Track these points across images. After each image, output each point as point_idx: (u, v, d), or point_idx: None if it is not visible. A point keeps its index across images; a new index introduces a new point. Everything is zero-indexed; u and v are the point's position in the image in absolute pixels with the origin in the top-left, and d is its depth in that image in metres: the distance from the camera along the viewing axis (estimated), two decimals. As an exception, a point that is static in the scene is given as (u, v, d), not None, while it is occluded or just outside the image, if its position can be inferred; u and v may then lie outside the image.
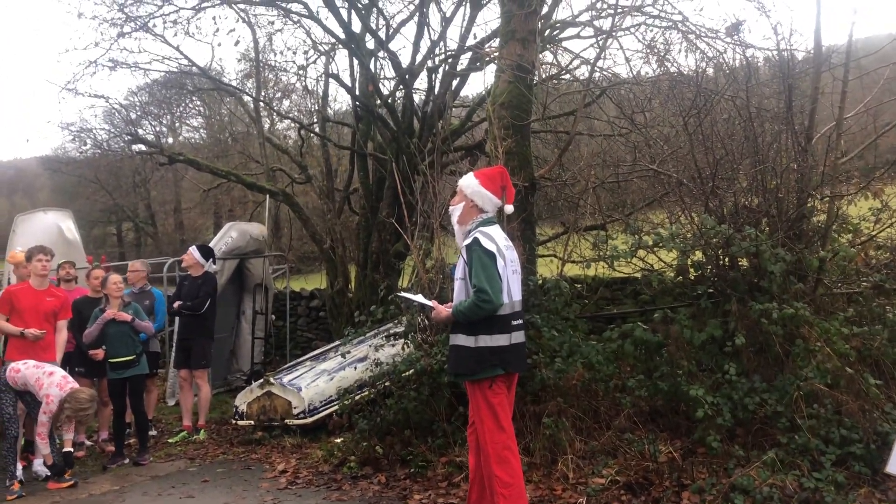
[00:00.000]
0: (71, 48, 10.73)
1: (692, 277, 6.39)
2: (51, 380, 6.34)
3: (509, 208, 4.81)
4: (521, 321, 4.63)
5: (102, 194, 35.85)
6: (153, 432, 8.17)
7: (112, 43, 10.65)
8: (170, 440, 8.04)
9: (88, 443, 7.97)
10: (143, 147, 13.09)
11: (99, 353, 7.22)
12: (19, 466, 6.44)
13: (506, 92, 7.22)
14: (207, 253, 8.62)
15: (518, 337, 4.57)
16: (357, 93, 11.44)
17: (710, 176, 6.32)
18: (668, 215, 7.51)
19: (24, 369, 6.39)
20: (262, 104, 13.46)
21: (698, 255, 6.33)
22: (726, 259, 6.17)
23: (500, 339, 4.45)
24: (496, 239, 4.55)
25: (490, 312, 4.37)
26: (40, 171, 42.10)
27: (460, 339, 4.50)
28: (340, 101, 14.27)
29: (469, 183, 4.73)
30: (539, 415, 5.89)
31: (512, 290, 4.54)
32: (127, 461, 7.20)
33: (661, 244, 6.11)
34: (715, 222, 5.91)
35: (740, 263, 6.15)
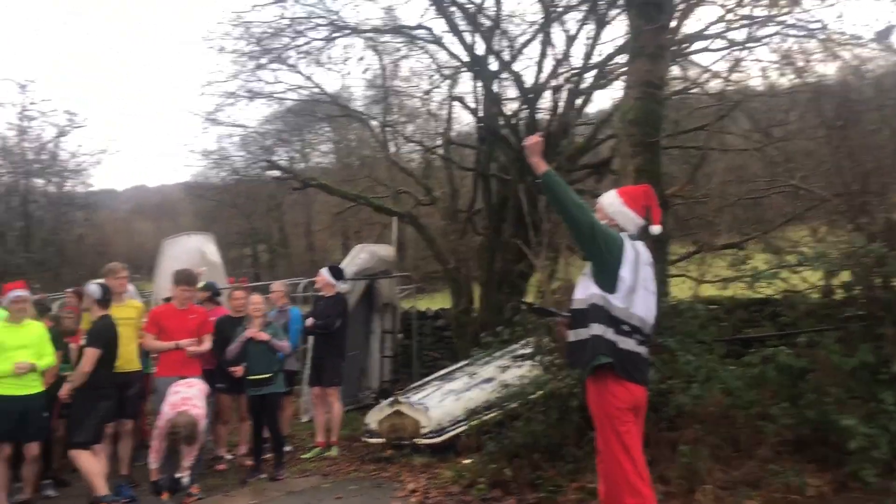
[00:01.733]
0: (213, 81, 11.57)
1: (839, 299, 6.01)
2: (172, 399, 6.69)
3: (656, 229, 4.62)
4: (645, 338, 4.44)
5: (239, 218, 37.81)
6: (288, 448, 8.44)
7: (250, 75, 11.20)
8: (304, 456, 8.28)
9: (228, 456, 8.35)
10: (278, 173, 13.74)
11: (238, 370, 7.55)
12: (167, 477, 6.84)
13: (634, 108, 7.07)
14: (338, 273, 8.90)
15: (640, 349, 4.39)
16: (480, 114, 11.55)
17: (858, 191, 5.94)
18: (810, 233, 7.11)
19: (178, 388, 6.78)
20: (388, 129, 13.81)
21: (845, 276, 5.94)
22: (879, 280, 5.75)
23: (620, 341, 4.31)
24: (637, 249, 4.42)
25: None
26: (183, 196, 44.81)
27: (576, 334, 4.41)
28: (464, 122, 14.43)
29: (611, 201, 4.61)
30: (674, 442, 5.67)
31: (640, 304, 4.37)
32: (264, 476, 7.47)
33: (805, 263, 5.78)
34: (865, 240, 5.54)
35: (894, 285, 5.72)
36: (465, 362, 9.03)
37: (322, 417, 8.57)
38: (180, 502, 6.66)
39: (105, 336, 6.50)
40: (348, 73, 13.01)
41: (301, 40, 11.75)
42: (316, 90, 13.02)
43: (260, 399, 7.52)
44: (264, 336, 7.45)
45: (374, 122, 14.82)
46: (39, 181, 24.67)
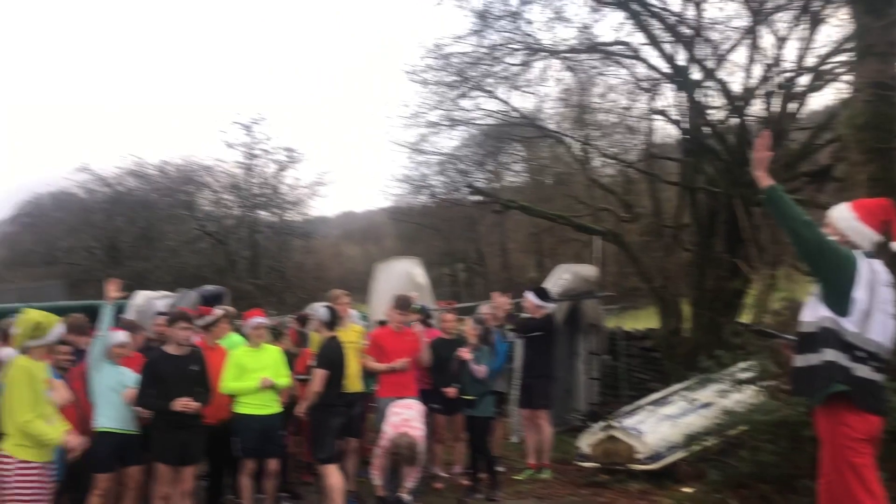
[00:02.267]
0: (418, 112, 12.27)
1: None
2: (393, 420, 6.99)
3: None
4: (882, 365, 4.04)
5: (438, 239, 39.15)
6: (500, 469, 8.56)
7: (452, 104, 11.61)
8: (516, 477, 8.36)
9: (444, 475, 8.61)
10: (480, 197, 14.09)
11: (451, 391, 7.79)
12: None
13: (864, 112, 6.53)
14: (543, 295, 8.93)
15: (876, 376, 4.00)
16: (684, 126, 11.17)
17: None
18: None
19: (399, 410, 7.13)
20: (586, 146, 13.73)
21: None
22: None
23: (855, 368, 3.94)
24: (874, 269, 4.05)
25: None
26: (386, 220, 47.10)
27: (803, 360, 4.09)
28: (665, 135, 14.03)
29: (843, 215, 4.25)
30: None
31: (877, 328, 3.99)
32: (481, 496, 7.63)
33: None
34: None
35: None
36: (680, 386, 8.71)
37: (532, 439, 8.61)
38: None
39: (333, 357, 6.95)
40: (546, 94, 13.07)
41: (498, 66, 12.01)
42: (513, 113, 13.22)
43: (470, 420, 7.73)
44: (467, 356, 7.66)
45: (571, 141, 14.77)
46: (264, 213, 27.13)
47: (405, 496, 7.01)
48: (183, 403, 6.00)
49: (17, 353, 5.27)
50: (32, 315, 5.29)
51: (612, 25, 11.65)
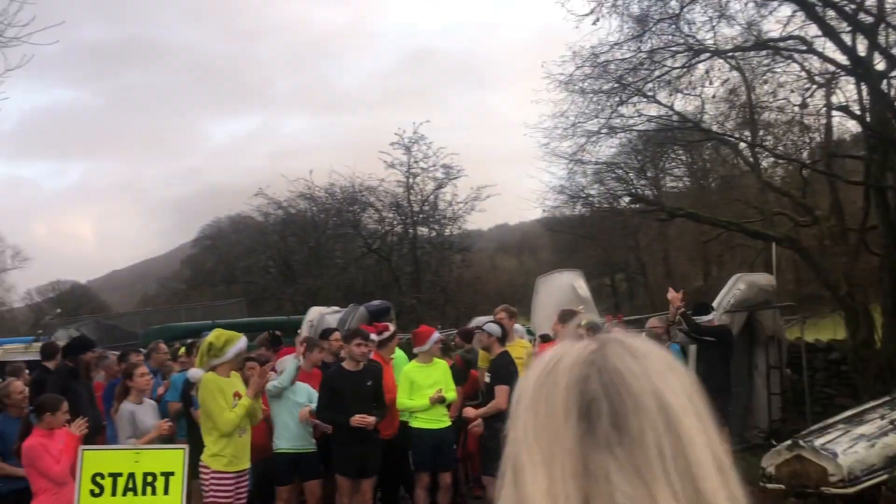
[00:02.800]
0: (577, 122, 12.03)
1: None
2: None
3: None
4: None
5: (595, 249, 38.49)
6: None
7: (612, 112, 11.40)
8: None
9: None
10: (643, 205, 13.72)
11: None
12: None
13: None
14: (704, 310, 8.53)
15: None
16: (868, 120, 10.33)
17: None
18: None
19: None
20: (757, 148, 13.02)
21: None
22: None
23: None
24: None
25: None
26: (541, 231, 46.90)
27: None
28: (842, 131, 13.03)
29: None
30: None
31: None
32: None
33: None
34: None
35: None
36: (876, 402, 8.03)
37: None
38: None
39: (511, 371, 6.95)
40: (713, 95, 12.46)
41: (659, 70, 11.66)
42: (675, 117, 12.78)
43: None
44: None
45: (739, 143, 14.07)
46: (423, 230, 27.87)
47: None
48: (360, 419, 6.22)
49: (203, 372, 5.72)
50: (208, 338, 5.72)
51: (780, 19, 10.98)
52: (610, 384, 0.78)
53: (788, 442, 7.44)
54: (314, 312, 15.67)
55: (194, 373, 5.89)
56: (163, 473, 5.22)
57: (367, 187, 28.08)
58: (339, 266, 27.51)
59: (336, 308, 15.97)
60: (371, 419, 6.30)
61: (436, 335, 7.32)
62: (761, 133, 14.79)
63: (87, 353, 7.33)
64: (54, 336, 19.43)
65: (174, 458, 5.27)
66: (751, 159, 13.10)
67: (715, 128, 15.21)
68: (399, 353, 8.29)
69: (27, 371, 8.98)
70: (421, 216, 27.42)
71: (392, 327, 8.05)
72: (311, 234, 29.00)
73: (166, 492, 5.21)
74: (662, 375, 0.81)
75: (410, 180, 26.83)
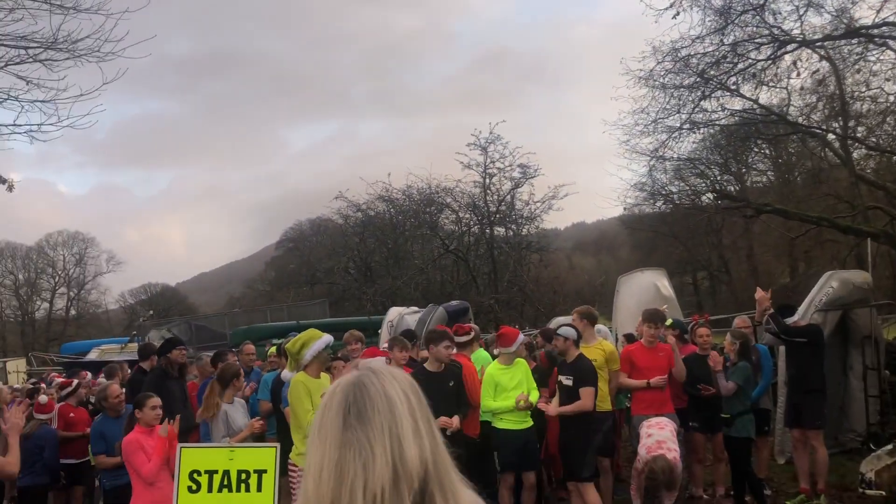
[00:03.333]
0: (658, 119, 11.78)
1: None
2: (647, 442, 6.73)
3: None
4: None
5: (676, 246, 37.68)
6: (767, 492, 8.00)
7: (694, 107, 11.15)
8: (787, 502, 7.76)
9: (705, 496, 8.22)
10: (728, 202, 13.38)
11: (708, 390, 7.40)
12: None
13: None
14: (785, 312, 8.25)
15: None
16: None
17: None
18: None
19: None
20: (847, 139, 12.51)
21: None
22: None
23: None
24: None
25: None
26: (619, 229, 46.21)
27: None
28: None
29: None
30: None
31: None
32: (748, 520, 7.19)
33: None
34: None
35: None
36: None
37: (804, 462, 7.95)
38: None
39: (593, 372, 6.91)
40: (800, 87, 12.01)
41: (743, 63, 11.35)
42: (759, 110, 12.39)
43: (728, 439, 7.32)
44: (718, 366, 7.28)
45: (828, 135, 13.54)
46: (500, 230, 27.87)
47: None
48: (445, 421, 6.24)
49: (293, 373, 5.89)
50: (289, 344, 5.87)
51: (873, 5, 10.50)
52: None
53: (890, 446, 7.15)
54: (394, 312, 15.87)
55: (286, 374, 6.06)
56: (256, 471, 5.37)
57: (444, 188, 28.31)
58: (418, 266, 27.81)
59: (415, 308, 16.13)
60: (455, 421, 6.33)
61: (521, 337, 7.32)
62: (852, 124, 14.19)
63: (174, 351, 7.61)
64: (147, 336, 20.32)
65: (267, 456, 5.42)
66: (841, 152, 12.57)
67: (801, 120, 14.68)
68: (482, 354, 8.32)
69: (127, 370, 9.41)
70: (498, 216, 27.43)
71: (475, 328, 8.09)
72: (389, 236, 29.42)
73: (259, 489, 5.36)
74: (390, 384, 1.43)
75: (487, 180, 26.88)
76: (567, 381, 6.90)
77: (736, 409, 7.32)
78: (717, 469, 8.24)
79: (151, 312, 43.23)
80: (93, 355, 27.00)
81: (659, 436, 6.83)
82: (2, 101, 7.75)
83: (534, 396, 7.13)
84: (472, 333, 7.85)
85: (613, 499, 7.82)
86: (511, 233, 28.11)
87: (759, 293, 7.90)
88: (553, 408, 6.92)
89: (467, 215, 28.49)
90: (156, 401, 5.79)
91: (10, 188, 7.72)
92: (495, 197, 27.26)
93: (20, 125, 7.71)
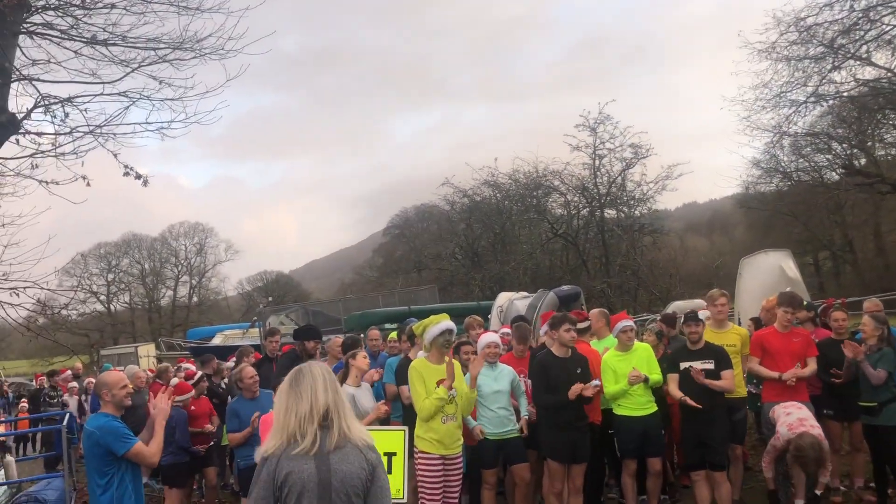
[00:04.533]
0: (783, 92, 11.18)
1: None
2: (787, 420, 6.45)
3: None
4: None
5: (795, 225, 35.93)
6: (914, 485, 7.54)
7: (822, 78, 10.58)
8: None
9: (842, 488, 7.84)
10: (860, 178, 12.64)
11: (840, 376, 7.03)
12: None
13: None
14: None
15: None
16: None
17: None
18: None
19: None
20: None
21: None
22: None
23: None
24: None
25: None
26: (733, 209, 44.51)
27: None
28: None
29: None
30: None
31: None
32: (891, 514, 6.80)
33: None
34: None
35: None
36: None
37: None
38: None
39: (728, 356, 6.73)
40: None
41: (875, 30, 10.64)
42: (894, 79, 11.60)
43: (872, 429, 6.90)
44: (859, 354, 6.84)
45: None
46: (611, 212, 27.33)
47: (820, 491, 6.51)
48: (578, 387, 6.21)
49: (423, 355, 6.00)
50: (415, 325, 5.95)
51: None
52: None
53: None
54: (503, 297, 15.87)
55: (420, 354, 6.19)
56: (386, 453, 5.50)
57: (552, 171, 27.99)
58: (526, 251, 27.68)
59: (525, 293, 16.08)
60: (590, 385, 6.31)
61: (623, 323, 7.16)
62: None
63: (311, 343, 7.87)
64: (268, 322, 21.16)
65: (396, 439, 5.55)
66: None
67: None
68: (612, 340, 8.22)
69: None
70: (608, 198, 26.91)
71: (595, 314, 7.99)
72: (496, 221, 29.40)
73: (390, 471, 5.48)
74: (314, 367, 3.07)
75: (597, 162, 26.41)
76: (707, 364, 6.74)
77: (884, 396, 6.92)
78: (856, 459, 7.82)
79: (270, 299, 45.01)
80: (217, 340, 28.46)
81: (799, 414, 6.57)
82: (136, 101, 8.13)
83: (654, 378, 6.99)
84: (590, 320, 7.76)
85: (742, 487, 7.58)
86: (622, 215, 27.53)
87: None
88: (677, 392, 6.74)
89: (576, 198, 28.09)
90: None
91: (145, 183, 8.11)
92: (605, 178, 26.79)
93: (151, 122, 8.10)
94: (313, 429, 2.85)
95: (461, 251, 30.66)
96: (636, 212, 27.42)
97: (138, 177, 7.94)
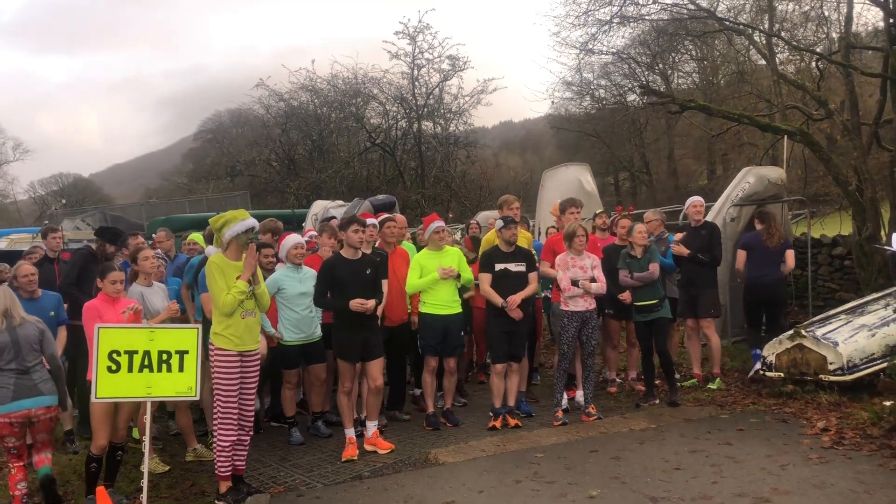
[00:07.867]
0: (589, 10, 11.55)
1: None
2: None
3: None
4: None
5: (600, 147, 38.03)
6: (677, 375, 8.41)
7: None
8: (681, 384, 8.10)
9: (618, 380, 8.60)
10: (654, 97, 13.44)
11: (626, 297, 7.64)
12: (565, 396, 7.28)
13: None
14: None
15: None
16: (892, 8, 9.96)
17: None
18: None
19: None
20: (774, 39, 12.62)
21: None
22: None
23: None
24: None
25: None
26: (546, 129, 46.24)
27: None
28: (862, 23, 12.57)
29: None
30: None
31: None
32: (657, 402, 7.56)
33: None
34: None
35: None
36: (878, 295, 8.10)
37: (697, 349, 8.37)
38: (579, 419, 7.04)
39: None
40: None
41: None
42: (690, 6, 12.31)
43: (646, 325, 7.58)
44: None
45: (755, 34, 13.62)
46: (428, 124, 27.41)
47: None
48: (358, 303, 6.25)
49: (214, 252, 5.77)
50: (213, 219, 5.69)
51: None
52: None
53: (790, 332, 7.55)
54: (318, 206, 15.66)
55: (210, 250, 5.91)
56: (177, 351, 5.30)
57: (371, 79, 27.45)
58: (343, 160, 27.25)
59: (340, 202, 15.95)
60: (370, 303, 6.32)
61: (435, 224, 7.30)
62: (776, 28, 14.30)
63: (111, 246, 7.25)
64: (61, 227, 19.50)
65: (188, 337, 5.34)
66: (765, 50, 12.70)
67: (728, 16, 14.69)
68: (409, 245, 8.32)
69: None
70: (426, 110, 26.92)
71: (397, 215, 8.06)
72: (313, 128, 28.58)
73: (181, 369, 5.30)
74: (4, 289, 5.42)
75: (415, 72, 26.22)
76: (518, 267, 7.00)
77: (660, 293, 7.56)
78: (632, 354, 8.60)
79: (64, 202, 41.50)
80: (2, 245, 25.89)
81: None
82: None
83: (465, 276, 7.22)
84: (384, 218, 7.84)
85: (529, 383, 8.10)
86: (439, 128, 27.72)
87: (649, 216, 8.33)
88: (514, 297, 6.96)
89: (395, 108, 27.82)
90: (117, 275, 5.62)
91: None
92: (423, 90, 26.70)
93: None
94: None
95: (276, 158, 29.64)
96: (452, 126, 27.74)
97: None
